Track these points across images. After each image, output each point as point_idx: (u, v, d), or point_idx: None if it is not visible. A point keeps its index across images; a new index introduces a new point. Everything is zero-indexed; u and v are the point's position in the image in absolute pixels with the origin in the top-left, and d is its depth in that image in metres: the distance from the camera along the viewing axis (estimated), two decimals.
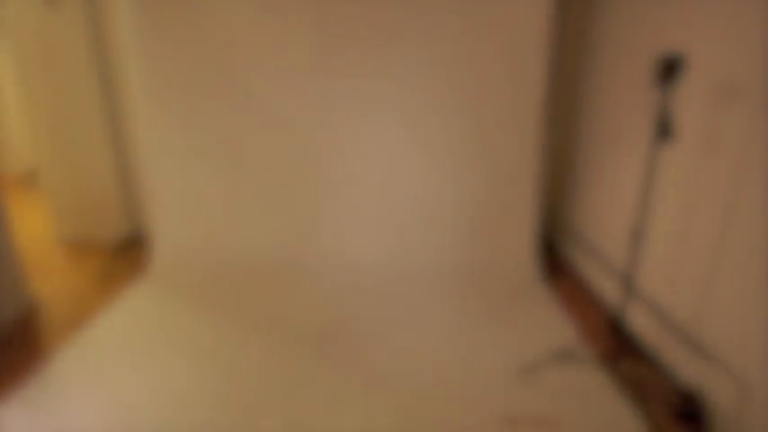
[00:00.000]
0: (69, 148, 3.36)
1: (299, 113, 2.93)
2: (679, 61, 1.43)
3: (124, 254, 3.26)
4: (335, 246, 3.11)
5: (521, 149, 2.96)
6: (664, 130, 1.54)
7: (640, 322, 2.33)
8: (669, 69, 1.45)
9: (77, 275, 3.03)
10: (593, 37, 3.00)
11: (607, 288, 2.69)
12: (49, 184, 3.46)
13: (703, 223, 1.93)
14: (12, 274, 2.54)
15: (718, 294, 1.85)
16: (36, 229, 3.76)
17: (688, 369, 1.98)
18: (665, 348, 2.15)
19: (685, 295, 2.04)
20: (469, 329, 2.47)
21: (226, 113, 2.93)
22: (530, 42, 2.76)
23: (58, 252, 3.39)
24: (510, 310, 2.67)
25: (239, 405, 1.91)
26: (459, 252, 3.08)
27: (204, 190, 3.07)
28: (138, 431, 1.76)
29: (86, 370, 2.11)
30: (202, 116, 2.93)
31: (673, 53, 1.45)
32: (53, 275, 3.02)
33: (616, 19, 2.69)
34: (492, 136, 2.95)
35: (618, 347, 2.16)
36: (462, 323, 2.53)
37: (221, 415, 1.85)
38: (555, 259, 3.36)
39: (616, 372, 2.04)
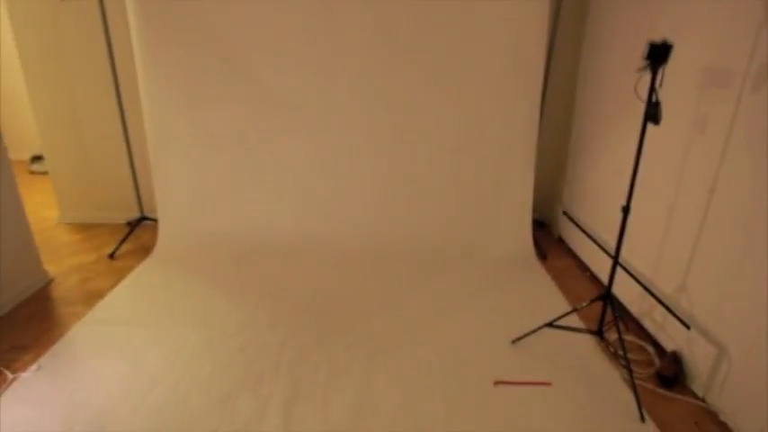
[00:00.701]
0: (78, 133, 3.43)
1: (301, 98, 3.00)
2: (667, 47, 1.53)
3: (132, 235, 3.36)
4: (336, 223, 3.21)
5: (518, 130, 3.06)
6: (652, 113, 1.65)
7: (629, 294, 2.47)
8: (657, 55, 1.55)
9: (87, 256, 3.13)
10: (590, 22, 3.09)
11: (599, 264, 2.83)
12: (58, 168, 3.53)
13: (689, 201, 2.05)
14: (27, 254, 2.64)
15: (701, 266, 1.98)
16: (44, 212, 3.84)
17: (671, 336, 2.12)
18: (650, 317, 2.29)
19: (671, 268, 2.17)
20: (466, 302, 2.61)
21: (228, 99, 2.99)
22: (530, 22, 2.82)
23: (67, 234, 3.48)
24: (506, 284, 2.81)
25: (247, 372, 2.03)
26: (457, 230, 3.20)
27: (207, 172, 3.15)
28: (155, 396, 1.88)
29: (102, 341, 2.23)
30: (205, 101, 2.99)
31: (661, 39, 1.55)
32: (64, 256, 3.11)
33: (612, 5, 2.77)
34: (490, 116, 3.04)
35: (607, 317, 2.30)
36: (459, 296, 2.66)
37: (231, 381, 1.97)
38: (551, 239, 3.49)
39: (605, 339, 2.18)
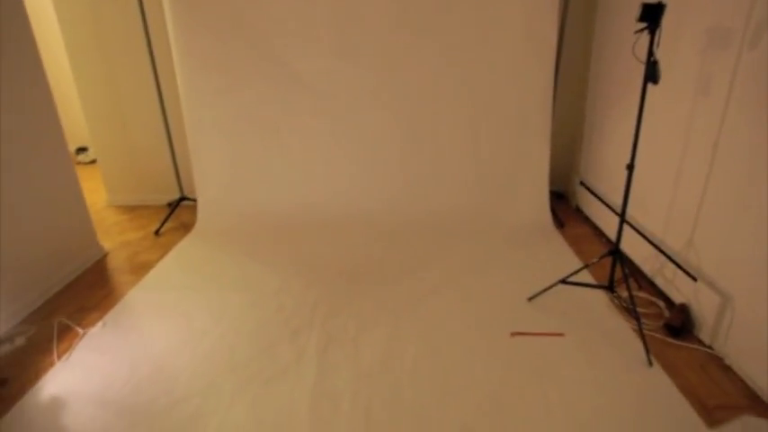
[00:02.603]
0: (122, 122, 3.72)
1: (325, 80, 3.19)
2: (659, 7, 1.64)
3: (174, 214, 3.63)
4: (362, 198, 3.40)
5: (533, 103, 3.17)
6: (650, 72, 1.76)
7: (642, 253, 2.58)
8: (650, 16, 1.66)
9: (135, 233, 3.41)
10: None
11: (612, 228, 2.93)
12: (105, 156, 3.84)
13: (695, 159, 2.15)
14: (86, 231, 2.93)
15: (707, 220, 2.09)
16: (92, 197, 4.16)
17: (680, 290, 2.23)
18: (662, 275, 2.40)
19: (680, 225, 2.28)
20: (486, 266, 2.76)
21: (257, 83, 3.20)
22: None
23: (116, 215, 3.79)
24: (524, 250, 2.95)
25: (285, 327, 2.25)
26: (477, 202, 3.34)
27: (240, 153, 3.38)
28: (205, 346, 2.12)
29: (155, 303, 2.49)
30: (237, 86, 3.22)
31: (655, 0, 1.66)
32: (114, 234, 3.41)
33: None
34: (505, 91, 3.16)
35: (620, 275, 2.43)
36: (479, 261, 2.82)
37: (271, 334, 2.19)
38: (569, 209, 3.60)
39: (616, 293, 2.31)
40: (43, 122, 2.60)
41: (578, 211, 3.53)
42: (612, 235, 2.94)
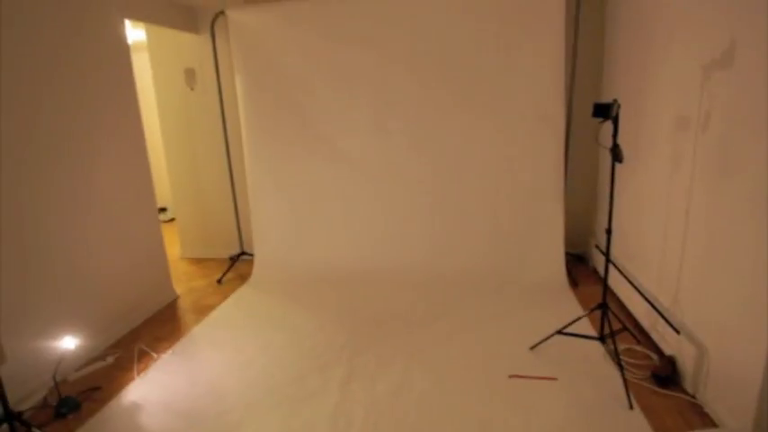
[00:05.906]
0: (197, 189, 4.49)
1: (362, 154, 3.78)
2: (607, 106, 2.05)
3: (234, 266, 4.24)
4: (394, 256, 3.85)
5: (546, 175, 3.56)
6: (615, 154, 2.14)
7: (640, 310, 2.81)
8: (601, 113, 2.06)
9: (201, 281, 4.03)
10: (605, 77, 3.60)
11: (625, 291, 3.16)
12: (182, 216, 4.59)
13: (675, 225, 2.45)
14: (164, 278, 3.57)
15: (687, 279, 2.34)
16: (169, 250, 4.89)
17: (669, 342, 2.45)
18: (656, 329, 2.62)
19: (668, 283, 2.53)
20: (498, 318, 3.07)
21: (307, 157, 3.85)
22: (548, 83, 3.41)
23: (187, 265, 4.46)
24: (535, 305, 3.23)
25: (317, 361, 2.67)
26: (496, 262, 3.68)
27: (292, 215, 3.98)
28: (250, 372, 2.57)
29: (214, 337, 3.00)
30: (291, 160, 3.88)
31: (608, 100, 2.07)
32: (185, 281, 4.04)
33: (622, 67, 3.29)
34: (521, 163, 3.58)
35: (618, 329, 2.67)
36: (493, 314, 3.13)
37: (304, 367, 2.61)
38: (587, 270, 3.84)
39: (606, 343, 2.55)
40: (142, 191, 3.32)
41: (595, 272, 3.77)
42: (622, 294, 3.18)
